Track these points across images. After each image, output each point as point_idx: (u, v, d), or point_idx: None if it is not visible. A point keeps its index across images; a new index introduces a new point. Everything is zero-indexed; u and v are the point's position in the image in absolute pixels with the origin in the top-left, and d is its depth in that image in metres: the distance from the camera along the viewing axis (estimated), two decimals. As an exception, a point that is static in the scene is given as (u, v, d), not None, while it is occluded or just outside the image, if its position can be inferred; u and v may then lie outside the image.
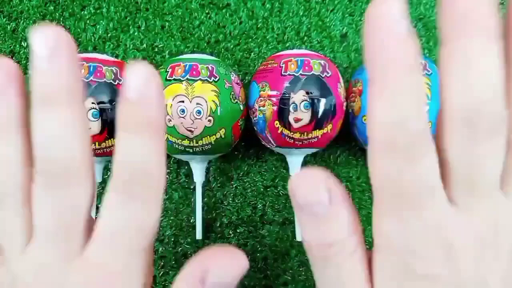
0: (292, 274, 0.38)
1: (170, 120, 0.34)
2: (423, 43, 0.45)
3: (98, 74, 0.33)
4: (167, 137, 0.35)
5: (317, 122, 0.34)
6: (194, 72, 0.34)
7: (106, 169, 0.38)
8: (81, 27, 0.43)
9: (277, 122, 0.34)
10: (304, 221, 0.16)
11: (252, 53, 0.43)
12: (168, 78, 0.34)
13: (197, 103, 0.33)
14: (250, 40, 0.44)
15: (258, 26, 0.44)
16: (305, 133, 0.35)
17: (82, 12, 0.44)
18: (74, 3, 0.44)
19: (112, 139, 0.35)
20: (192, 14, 0.44)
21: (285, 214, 0.39)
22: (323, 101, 0.34)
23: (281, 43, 0.44)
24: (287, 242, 0.38)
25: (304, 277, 0.38)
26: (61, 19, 0.44)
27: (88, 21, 0.43)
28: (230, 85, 0.34)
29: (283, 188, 0.40)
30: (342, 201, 0.16)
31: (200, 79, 0.33)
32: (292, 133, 0.35)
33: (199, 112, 0.33)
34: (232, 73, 0.36)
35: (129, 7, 0.44)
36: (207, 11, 0.44)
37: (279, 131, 0.35)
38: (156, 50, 0.43)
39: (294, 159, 0.38)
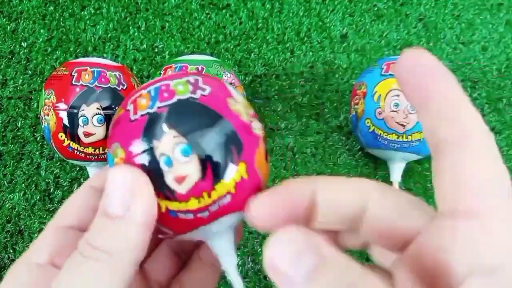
0: (292, 274, 0.38)
1: None
2: (423, 43, 0.45)
3: (103, 79, 0.34)
4: None
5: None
6: None
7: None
8: (81, 27, 0.43)
9: None
10: None
11: (252, 54, 0.43)
12: None
13: None
14: (250, 40, 0.44)
15: (258, 26, 0.44)
16: None
17: (82, 13, 0.44)
18: (74, 3, 0.44)
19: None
20: (192, 15, 0.44)
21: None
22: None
23: (281, 44, 0.44)
24: (287, 242, 0.39)
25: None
26: (61, 19, 0.43)
27: (88, 22, 0.43)
28: None
29: (283, 188, 0.40)
30: None
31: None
32: None
33: None
34: (227, 73, 0.35)
35: (129, 8, 0.44)
36: (207, 12, 0.44)
37: None
38: (156, 50, 0.43)
39: None
